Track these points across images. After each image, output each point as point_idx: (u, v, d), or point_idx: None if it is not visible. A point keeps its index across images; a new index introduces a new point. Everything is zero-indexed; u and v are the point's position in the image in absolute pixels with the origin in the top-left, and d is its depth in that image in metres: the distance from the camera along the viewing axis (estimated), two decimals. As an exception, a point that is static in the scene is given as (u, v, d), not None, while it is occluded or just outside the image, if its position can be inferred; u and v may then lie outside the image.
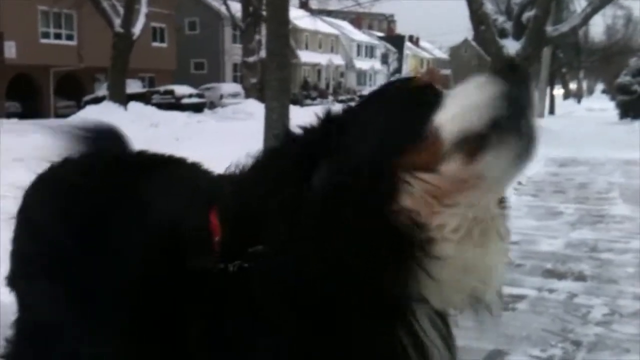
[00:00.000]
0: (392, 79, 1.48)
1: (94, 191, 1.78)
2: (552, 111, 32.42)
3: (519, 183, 9.52)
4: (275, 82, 6.56)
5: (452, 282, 1.25)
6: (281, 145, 1.43)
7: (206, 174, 1.80)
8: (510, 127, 1.19)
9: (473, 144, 1.19)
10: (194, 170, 1.85)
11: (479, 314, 1.34)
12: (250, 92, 33.85)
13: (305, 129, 1.41)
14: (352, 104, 1.45)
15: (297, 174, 1.29)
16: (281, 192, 1.29)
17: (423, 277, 1.21)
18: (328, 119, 1.39)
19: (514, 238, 5.09)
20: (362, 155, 1.24)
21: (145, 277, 1.55)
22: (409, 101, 1.28)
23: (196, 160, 1.92)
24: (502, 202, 1.35)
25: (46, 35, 32.64)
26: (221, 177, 1.64)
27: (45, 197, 1.90)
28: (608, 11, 36.72)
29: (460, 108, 1.21)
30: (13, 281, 1.92)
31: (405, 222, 1.20)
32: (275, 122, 6.16)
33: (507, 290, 4.60)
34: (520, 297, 4.44)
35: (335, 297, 1.24)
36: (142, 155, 1.96)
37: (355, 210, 1.21)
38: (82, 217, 1.74)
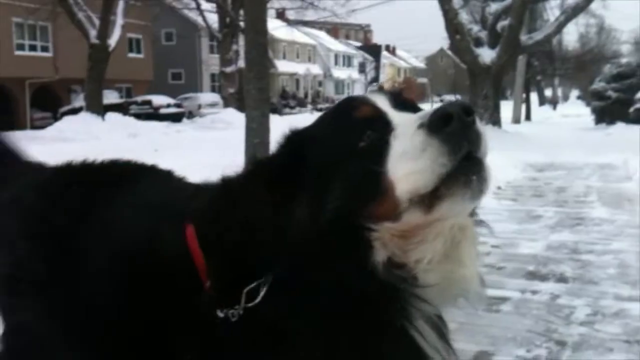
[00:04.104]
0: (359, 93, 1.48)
1: (63, 209, 1.76)
2: (528, 117, 32.80)
3: (499, 188, 9.61)
4: (254, 92, 6.55)
5: (438, 295, 1.33)
6: (252, 169, 1.45)
7: (179, 187, 1.77)
8: (458, 178, 1.22)
9: (426, 199, 1.24)
10: (166, 182, 1.82)
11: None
12: (229, 102, 33.81)
13: (273, 154, 1.45)
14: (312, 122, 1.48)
15: (273, 202, 1.34)
16: (265, 224, 1.33)
17: (414, 302, 1.30)
18: (293, 143, 1.43)
19: (495, 242, 5.15)
20: (333, 206, 1.30)
21: (122, 303, 1.54)
22: (363, 150, 1.31)
23: (169, 169, 1.90)
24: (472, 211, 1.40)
25: (21, 47, 32.31)
26: (194, 193, 1.62)
27: (12, 215, 1.86)
28: (581, 20, 37.35)
29: (409, 169, 1.24)
30: None
31: (384, 267, 1.28)
32: (256, 131, 6.14)
33: (491, 292, 4.62)
34: (503, 299, 4.47)
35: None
36: (114, 167, 1.91)
37: (338, 260, 1.28)
38: (48, 236, 1.73)
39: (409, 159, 1.24)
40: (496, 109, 19.77)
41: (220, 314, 1.34)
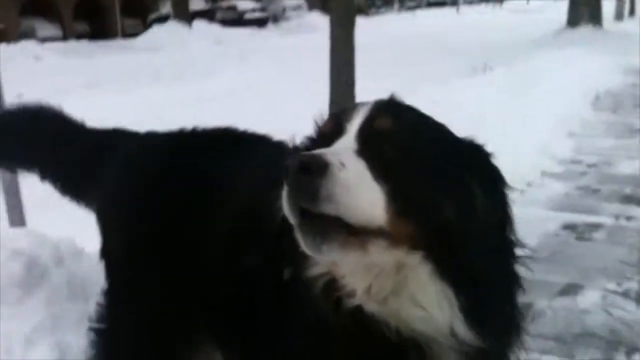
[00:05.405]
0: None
1: (179, 178, 1.89)
2: (632, 12, 30.41)
3: (597, 97, 9.08)
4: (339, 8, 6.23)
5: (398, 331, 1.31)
6: None
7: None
8: (296, 224, 1.23)
9: None
10: (277, 153, 1.89)
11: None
12: (313, 3, 33.16)
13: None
14: None
15: None
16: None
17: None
18: None
19: (591, 160, 4.95)
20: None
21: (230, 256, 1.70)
22: None
23: (280, 140, 1.96)
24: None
25: (109, -47, 32.54)
26: None
27: (126, 188, 2.00)
28: None
29: None
30: (105, 252, 2.05)
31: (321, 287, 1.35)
32: (340, 38, 5.71)
33: (584, 218, 4.48)
34: (596, 226, 4.32)
35: None
36: (230, 134, 2.04)
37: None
38: (177, 189, 1.88)
39: None
40: (597, 4, 18.40)
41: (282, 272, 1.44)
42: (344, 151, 1.24)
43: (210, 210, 1.82)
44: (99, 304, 2.06)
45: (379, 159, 1.24)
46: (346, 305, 1.32)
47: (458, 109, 6.62)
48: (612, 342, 2.96)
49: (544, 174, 5.47)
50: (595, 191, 5.07)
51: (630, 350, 2.88)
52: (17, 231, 2.80)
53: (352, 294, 1.32)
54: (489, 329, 1.32)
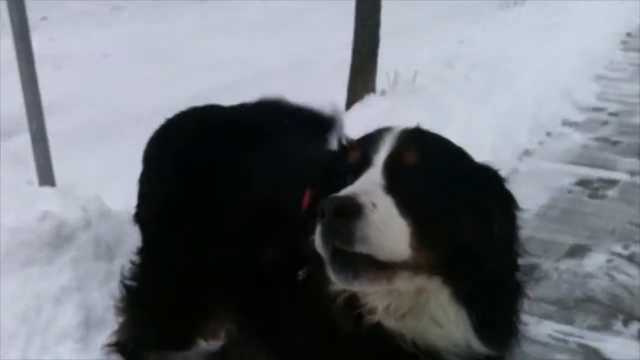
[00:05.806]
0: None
1: (211, 153, 2.04)
2: None
3: (628, 34, 8.81)
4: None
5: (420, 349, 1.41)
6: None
7: (311, 153, 1.94)
8: (327, 260, 1.31)
9: None
10: (303, 144, 2.04)
11: None
12: None
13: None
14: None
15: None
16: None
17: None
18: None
19: (614, 108, 4.87)
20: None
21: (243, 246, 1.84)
22: None
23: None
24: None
25: None
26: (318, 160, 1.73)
27: (168, 148, 2.17)
28: None
29: None
30: (138, 217, 2.25)
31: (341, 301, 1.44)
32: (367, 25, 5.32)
33: (600, 173, 4.50)
34: (610, 183, 4.35)
35: None
36: (263, 119, 2.16)
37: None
38: (201, 168, 2.03)
39: None
40: None
41: (295, 272, 1.55)
42: (373, 188, 1.29)
43: (235, 194, 1.95)
44: (132, 262, 2.26)
45: (405, 195, 1.30)
46: (366, 322, 1.42)
47: (483, 49, 6.52)
48: (612, 308, 3.06)
49: (564, 122, 5.45)
50: (614, 143, 5.05)
51: (628, 318, 2.99)
52: (47, 191, 2.93)
53: (372, 311, 1.41)
54: (497, 338, 1.43)
